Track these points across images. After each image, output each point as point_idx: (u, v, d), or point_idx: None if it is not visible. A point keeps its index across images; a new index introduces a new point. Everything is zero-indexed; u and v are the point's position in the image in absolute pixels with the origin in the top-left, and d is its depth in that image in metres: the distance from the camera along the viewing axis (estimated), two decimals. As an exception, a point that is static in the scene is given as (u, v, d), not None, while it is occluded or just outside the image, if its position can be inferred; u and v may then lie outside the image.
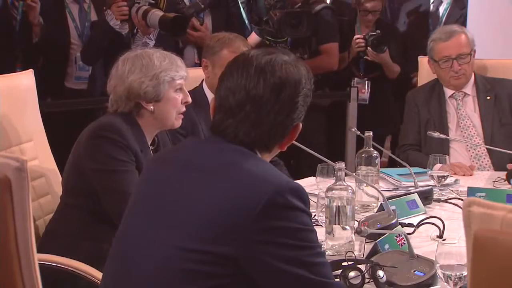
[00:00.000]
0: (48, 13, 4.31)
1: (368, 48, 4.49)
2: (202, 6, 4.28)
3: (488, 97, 3.49)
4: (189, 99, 2.58)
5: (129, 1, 4.07)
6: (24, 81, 2.81)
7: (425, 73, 3.75)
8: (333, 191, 2.22)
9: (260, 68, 1.67)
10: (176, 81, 2.51)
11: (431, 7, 4.79)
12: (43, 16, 4.26)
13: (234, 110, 1.66)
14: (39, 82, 2.85)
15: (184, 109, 2.57)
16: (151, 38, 4.14)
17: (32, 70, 2.84)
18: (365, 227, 2.19)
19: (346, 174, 2.31)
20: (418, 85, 3.80)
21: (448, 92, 3.53)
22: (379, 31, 4.50)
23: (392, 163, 3.11)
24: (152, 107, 2.49)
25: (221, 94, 1.70)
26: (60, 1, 4.34)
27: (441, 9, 4.77)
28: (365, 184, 2.68)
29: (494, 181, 3.06)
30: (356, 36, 4.55)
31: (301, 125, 1.74)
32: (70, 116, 4.02)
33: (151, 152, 2.56)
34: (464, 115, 3.49)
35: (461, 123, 3.48)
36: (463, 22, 4.55)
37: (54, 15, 4.35)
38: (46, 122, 2.87)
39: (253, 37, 4.46)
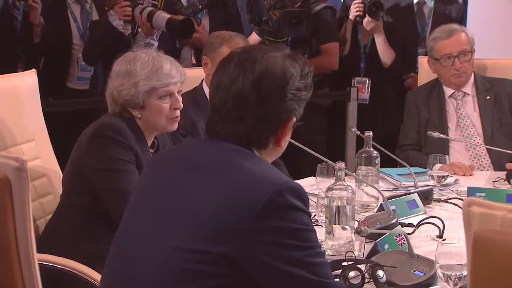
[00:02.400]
0: (50, 14, 4.31)
1: (365, 20, 4.44)
2: (200, 6, 4.28)
3: (488, 97, 3.49)
4: (179, 105, 2.53)
5: (132, 1, 4.08)
6: (27, 81, 2.81)
7: (425, 73, 3.75)
8: (333, 191, 2.22)
9: (240, 64, 1.68)
10: (159, 89, 2.47)
11: (415, 8, 4.79)
12: (45, 16, 4.26)
13: (218, 107, 1.69)
14: (41, 82, 2.85)
15: (176, 114, 2.53)
16: (154, 38, 4.14)
17: (35, 70, 2.84)
18: (365, 227, 2.18)
19: (346, 174, 2.31)
20: (417, 86, 3.81)
21: (448, 91, 3.53)
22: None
23: (386, 164, 3.09)
24: (138, 113, 2.49)
25: (210, 93, 1.73)
26: (62, 1, 4.34)
27: (426, 10, 4.77)
28: (365, 184, 2.68)
29: (494, 181, 3.06)
30: (355, 1, 4.51)
31: (294, 119, 1.73)
32: (73, 116, 4.02)
33: (150, 153, 2.56)
34: (464, 115, 3.49)
35: (461, 122, 3.49)
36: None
37: (56, 15, 4.35)
38: (49, 122, 2.87)
39: (254, 37, 4.46)
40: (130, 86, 2.45)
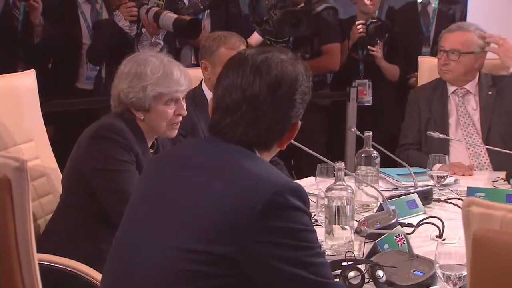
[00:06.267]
0: (60, 14, 4.30)
1: (369, 48, 4.50)
2: (201, 7, 4.28)
3: (490, 92, 3.50)
4: (184, 112, 2.54)
5: (137, 2, 4.08)
6: (26, 81, 2.81)
7: (425, 73, 3.75)
8: (333, 191, 2.22)
9: (255, 67, 1.67)
10: (166, 95, 2.48)
11: (419, 7, 4.80)
12: (55, 16, 4.25)
13: (230, 109, 1.67)
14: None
15: (179, 119, 2.54)
16: (160, 38, 4.15)
17: (34, 70, 2.84)
18: (365, 227, 2.19)
19: (346, 174, 2.31)
20: (418, 85, 3.81)
21: (451, 88, 3.54)
22: (379, 21, 4.51)
23: (386, 164, 3.09)
24: (142, 115, 2.49)
25: (218, 94, 1.70)
26: (73, 1, 4.34)
27: (430, 10, 4.78)
28: (365, 184, 2.68)
29: (493, 181, 3.07)
30: (357, 22, 4.54)
31: (300, 123, 1.74)
32: (78, 115, 4.00)
33: (150, 154, 2.56)
34: (465, 113, 3.50)
35: (461, 120, 3.49)
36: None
37: (66, 15, 4.34)
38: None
39: (255, 37, 4.46)
40: (139, 89, 2.45)
